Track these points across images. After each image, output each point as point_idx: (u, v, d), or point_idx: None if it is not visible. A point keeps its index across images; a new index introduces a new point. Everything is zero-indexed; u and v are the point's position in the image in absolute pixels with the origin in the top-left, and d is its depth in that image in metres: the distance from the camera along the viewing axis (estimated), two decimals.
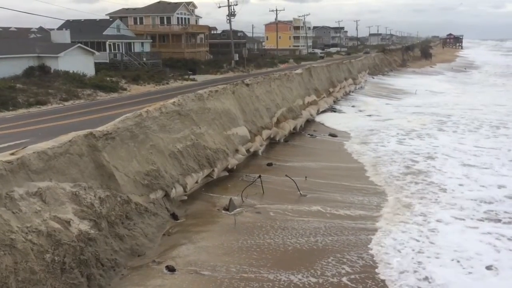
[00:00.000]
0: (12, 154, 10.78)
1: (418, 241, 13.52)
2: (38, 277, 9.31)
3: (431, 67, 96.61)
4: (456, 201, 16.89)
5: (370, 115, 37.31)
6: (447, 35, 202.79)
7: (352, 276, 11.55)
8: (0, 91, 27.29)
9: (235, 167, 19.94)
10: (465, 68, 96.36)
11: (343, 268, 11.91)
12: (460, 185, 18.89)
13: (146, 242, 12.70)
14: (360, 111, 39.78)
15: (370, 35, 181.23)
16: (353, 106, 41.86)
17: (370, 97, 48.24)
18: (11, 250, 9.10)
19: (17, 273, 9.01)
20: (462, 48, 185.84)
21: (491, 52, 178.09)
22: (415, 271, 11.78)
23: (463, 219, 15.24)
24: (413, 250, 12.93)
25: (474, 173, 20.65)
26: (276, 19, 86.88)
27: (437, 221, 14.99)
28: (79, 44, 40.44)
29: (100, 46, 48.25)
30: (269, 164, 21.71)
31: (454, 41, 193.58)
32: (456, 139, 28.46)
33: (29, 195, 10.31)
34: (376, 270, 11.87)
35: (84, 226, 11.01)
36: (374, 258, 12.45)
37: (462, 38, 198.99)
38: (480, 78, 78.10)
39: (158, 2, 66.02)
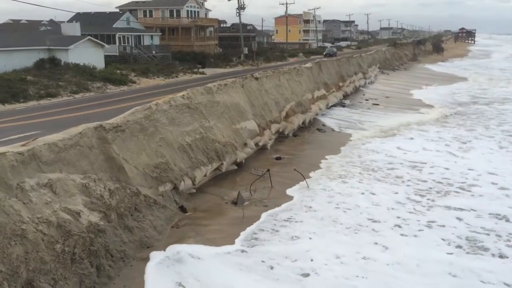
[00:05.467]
0: (23, 145, 10.90)
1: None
2: (49, 267, 9.44)
3: (442, 61, 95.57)
4: None
5: (378, 109, 37.09)
6: (460, 29, 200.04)
7: None
8: (11, 83, 27.53)
9: (243, 160, 19.97)
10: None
11: None
12: None
13: (154, 234, 12.80)
14: (369, 108, 39.57)
15: (381, 29, 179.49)
16: (365, 101, 41.57)
17: (379, 90, 47.94)
18: (22, 240, 9.23)
19: (28, 262, 9.14)
20: (474, 43, 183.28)
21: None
22: None
23: None
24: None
25: None
26: (286, 12, 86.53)
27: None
28: (89, 37, 40.59)
29: (109, 39, 48.39)
30: (278, 158, 21.71)
31: (466, 35, 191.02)
32: None
33: (40, 186, 10.43)
34: None
35: (94, 217, 11.12)
36: None
37: (475, 33, 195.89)
38: None
39: None
